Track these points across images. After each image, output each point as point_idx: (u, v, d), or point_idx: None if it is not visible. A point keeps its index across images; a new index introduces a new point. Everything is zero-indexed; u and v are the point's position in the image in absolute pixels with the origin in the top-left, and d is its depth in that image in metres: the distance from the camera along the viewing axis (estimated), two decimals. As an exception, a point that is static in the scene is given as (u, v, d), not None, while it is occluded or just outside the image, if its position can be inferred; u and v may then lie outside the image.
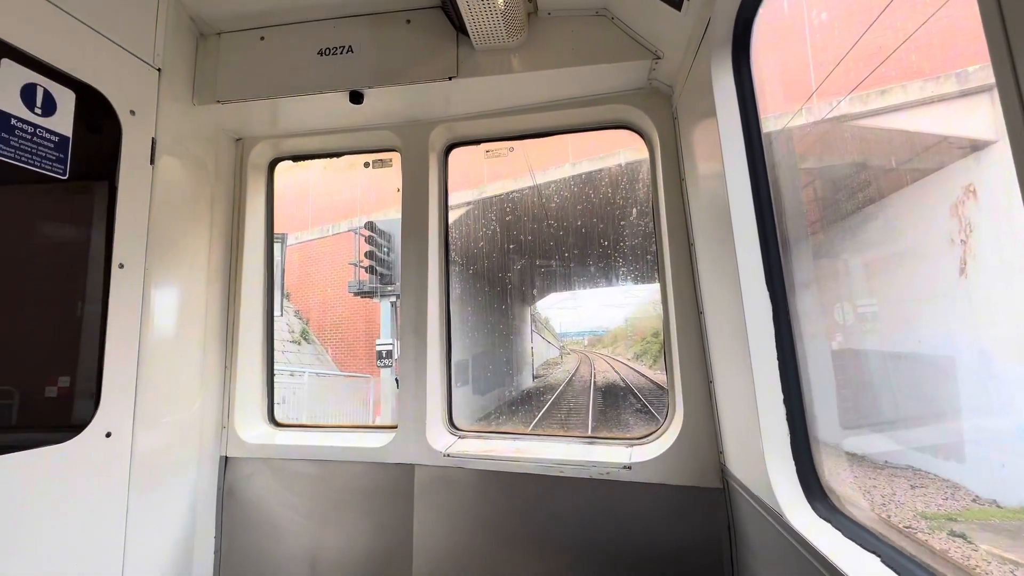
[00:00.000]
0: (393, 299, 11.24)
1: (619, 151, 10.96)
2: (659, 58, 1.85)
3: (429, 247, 2.29)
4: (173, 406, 2.08)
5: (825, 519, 1.15)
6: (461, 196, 12.29)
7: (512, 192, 12.06)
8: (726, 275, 1.51)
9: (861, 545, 1.00)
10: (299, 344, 13.71)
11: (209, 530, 2.26)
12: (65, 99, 1.56)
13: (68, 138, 1.56)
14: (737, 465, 1.63)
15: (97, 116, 1.67)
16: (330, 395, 11.68)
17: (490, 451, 2.11)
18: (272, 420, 2.53)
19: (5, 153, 1.39)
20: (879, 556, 0.94)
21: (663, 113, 2.02)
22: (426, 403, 2.20)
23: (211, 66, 2.17)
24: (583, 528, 1.93)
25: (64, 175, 1.54)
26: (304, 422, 2.56)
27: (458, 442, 2.24)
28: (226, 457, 2.33)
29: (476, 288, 14.88)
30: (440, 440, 2.21)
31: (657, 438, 2.00)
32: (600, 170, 10.91)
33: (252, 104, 2.19)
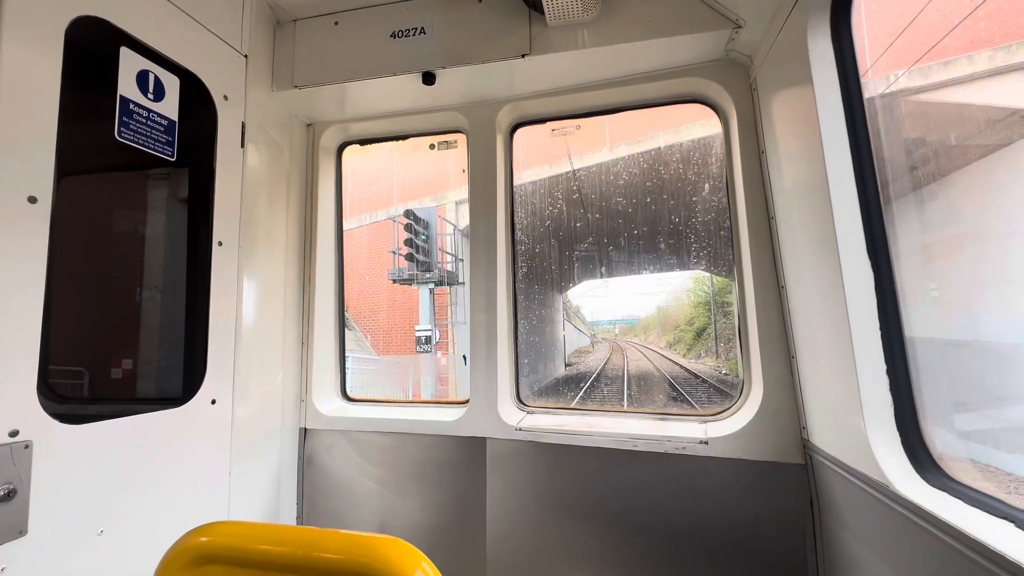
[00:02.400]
0: (431, 286, 11.42)
1: (659, 133, 10.74)
2: (739, 27, 1.80)
3: (497, 227, 2.32)
4: (261, 379, 2.19)
5: (940, 488, 1.13)
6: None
7: (549, 177, 11.99)
8: (820, 247, 1.48)
9: (989, 512, 0.98)
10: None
11: (292, 496, 2.38)
12: (171, 85, 1.65)
13: (175, 122, 1.65)
14: (825, 439, 1.61)
15: (197, 101, 1.76)
16: (375, 377, 12.01)
17: (561, 425, 2.15)
18: (344, 395, 2.64)
19: (127, 136, 1.48)
20: (1013, 522, 0.93)
21: (740, 85, 1.98)
22: (497, 379, 2.25)
23: (288, 52, 2.24)
24: (657, 504, 1.95)
25: (172, 157, 1.63)
26: (375, 397, 2.66)
27: (528, 416, 2.29)
28: (305, 428, 2.45)
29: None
30: (511, 415, 2.26)
31: (733, 414, 1.99)
32: (645, 152, 10.72)
33: (325, 89, 2.26)
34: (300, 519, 2.41)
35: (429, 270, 11.66)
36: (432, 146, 2.59)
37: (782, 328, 1.84)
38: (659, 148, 10.72)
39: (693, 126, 10.61)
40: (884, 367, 1.31)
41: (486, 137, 2.35)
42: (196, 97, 1.76)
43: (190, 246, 1.83)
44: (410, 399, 2.56)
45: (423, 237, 11.59)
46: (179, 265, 1.81)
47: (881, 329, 1.32)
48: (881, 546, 1.31)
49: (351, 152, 2.73)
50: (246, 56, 2.01)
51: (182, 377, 1.77)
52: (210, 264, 1.80)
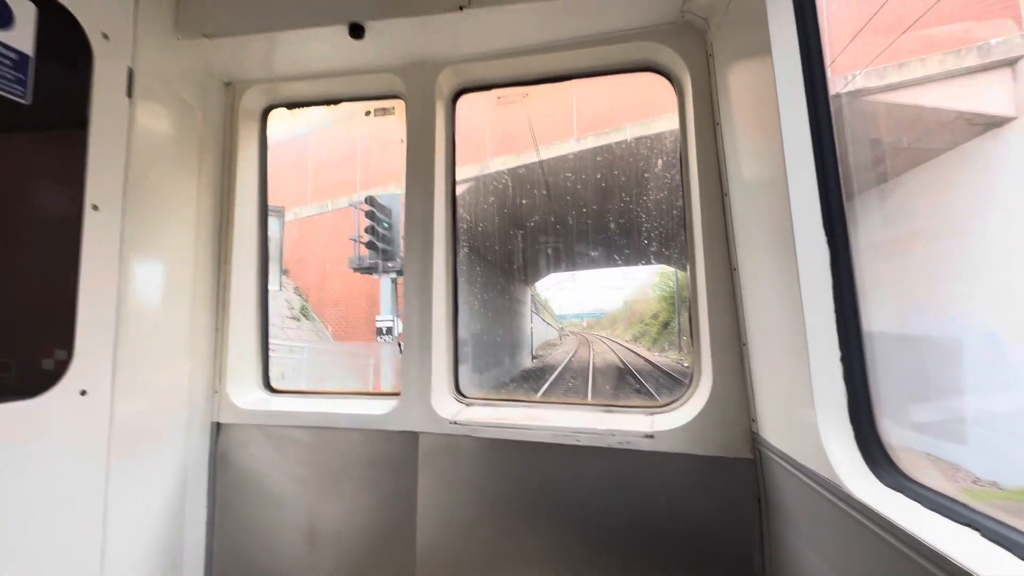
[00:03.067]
0: (394, 275, 11.08)
1: (626, 126, 10.69)
2: (696, -17, 1.65)
3: (435, 202, 2.11)
4: (159, 367, 1.93)
5: (896, 489, 1.00)
6: (461, 172, 12.05)
7: (516, 168, 11.79)
8: (775, 228, 1.34)
9: (951, 518, 0.85)
10: (299, 321, 13.60)
11: (201, 499, 2.13)
12: (24, 11, 1.37)
13: (28, 57, 1.37)
14: (775, 433, 1.49)
15: (65, 38, 1.48)
16: (332, 369, 11.60)
17: (500, 419, 1.97)
18: (267, 386, 2.39)
19: (-49, 65, 1.21)
20: (978, 530, 0.80)
21: (696, 51, 1.83)
22: (431, 368, 2.06)
23: None
24: (600, 500, 1.80)
25: (24, 98, 1.35)
26: (302, 388, 2.43)
27: (465, 409, 2.11)
28: (218, 423, 2.20)
29: (476, 267, 14.72)
30: (446, 407, 2.07)
31: (681, 405, 1.86)
32: (613, 143, 10.64)
33: (243, 42, 1.99)
34: (211, 523, 2.16)
35: (391, 259, 11.30)
36: (368, 112, 2.35)
37: (733, 314, 1.71)
38: (627, 140, 10.68)
39: (659, 119, 10.61)
40: (838, 354, 1.18)
41: (425, 103, 2.14)
42: (62, 31, 1.48)
43: (52, 208, 1.55)
44: (338, 390, 2.34)
45: (385, 225, 11.23)
46: (44, 229, 1.53)
47: (836, 315, 1.19)
48: (830, 550, 1.18)
49: (285, 119, 2.47)
50: None
51: (39, 363, 1.50)
52: (81, 230, 1.53)
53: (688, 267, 1.90)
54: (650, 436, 1.76)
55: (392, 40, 1.98)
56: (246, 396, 2.26)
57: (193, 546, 2.09)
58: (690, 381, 1.89)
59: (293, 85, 2.28)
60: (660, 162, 11.00)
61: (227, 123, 2.28)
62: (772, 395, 1.50)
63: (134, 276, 1.75)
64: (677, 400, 1.90)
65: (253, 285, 2.36)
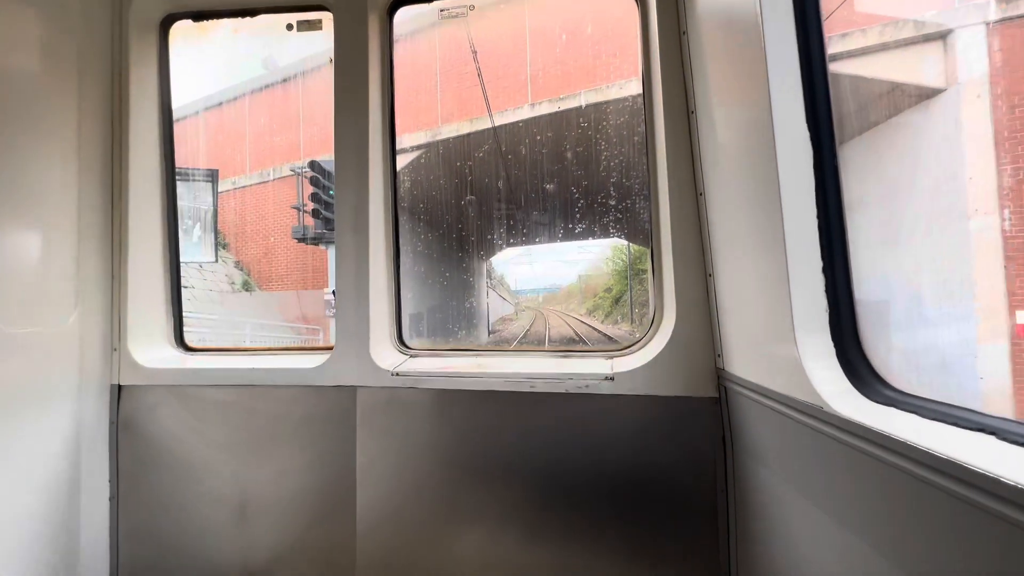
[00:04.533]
0: (336, 241, 10.55)
1: (581, 91, 10.48)
2: None
3: (370, 126, 1.85)
4: (34, 318, 1.61)
5: (888, 404, 0.89)
6: (412, 139, 11.52)
7: (470, 134, 11.39)
8: (752, 139, 1.19)
9: (959, 425, 0.74)
10: (240, 294, 12.84)
11: (100, 472, 1.84)
12: None
13: None
14: (745, 365, 1.37)
15: None
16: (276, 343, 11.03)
17: (447, 368, 1.78)
18: (181, 343, 2.09)
19: None
20: (994, 434, 0.69)
21: (660, -49, 1.64)
22: (369, 315, 1.83)
23: None
24: (558, 449, 1.66)
25: None
26: (222, 345, 2.15)
27: (409, 361, 1.90)
28: (119, 385, 1.89)
29: (430, 241, 14.32)
30: (387, 359, 1.86)
31: (643, 346, 1.73)
32: (567, 110, 10.42)
33: None
34: (115, 499, 1.88)
35: (338, 228, 10.74)
36: (289, 26, 2.03)
37: (699, 242, 1.58)
38: (581, 107, 10.48)
39: (612, 86, 10.46)
40: (820, 265, 1.05)
41: (355, 14, 1.85)
42: None
43: None
44: (263, 347, 2.12)
45: (331, 192, 10.62)
46: None
47: (819, 222, 1.05)
48: (809, 480, 1.08)
49: (193, 36, 2.10)
50: None
51: None
52: None
53: (650, 194, 1.75)
54: (610, 379, 1.62)
55: (313, -72, 1.68)
56: (154, 354, 1.96)
57: (93, 526, 1.81)
58: (652, 321, 1.76)
59: (196, -12, 1.93)
60: (613, 132, 10.91)
61: (116, 34, 1.91)
62: (742, 326, 1.38)
63: (-14, 201, 1.42)
64: (639, 342, 1.77)
65: (158, 228, 2.03)
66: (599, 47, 10.68)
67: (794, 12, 1.09)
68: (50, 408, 1.66)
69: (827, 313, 1.04)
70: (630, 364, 1.65)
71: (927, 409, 0.81)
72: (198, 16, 2.03)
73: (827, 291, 1.04)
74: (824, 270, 1.04)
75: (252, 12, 2.02)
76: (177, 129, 2.11)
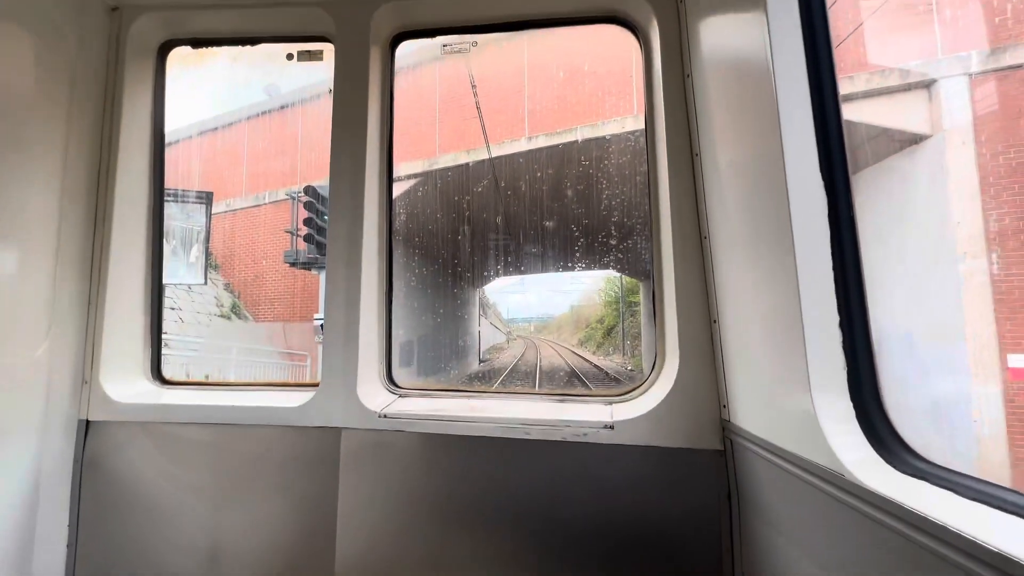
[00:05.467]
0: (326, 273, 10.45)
1: (576, 127, 10.66)
2: (668, -87, 1.46)
3: (367, 159, 1.81)
4: (3, 346, 1.51)
5: (918, 476, 0.82)
6: (410, 167, 11.60)
7: (465, 164, 11.49)
8: (758, 174, 1.15)
9: (1004, 510, 0.67)
10: (228, 319, 12.62)
11: (60, 516, 1.71)
12: None
13: None
14: (752, 419, 1.30)
15: None
16: (264, 371, 10.79)
17: (438, 410, 1.69)
18: (158, 376, 1.99)
19: None
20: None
21: (665, -3, 1.64)
22: (358, 352, 1.75)
23: None
24: (553, 500, 1.56)
25: None
26: (201, 379, 2.04)
27: (397, 401, 1.81)
28: (87, 421, 1.78)
29: (422, 268, 14.27)
30: (375, 399, 1.77)
31: (643, 392, 1.66)
32: (563, 144, 10.58)
33: None
34: (73, 546, 1.73)
35: (331, 255, 10.67)
36: (290, 56, 2.01)
37: (703, 286, 1.53)
38: (577, 141, 10.65)
39: (609, 122, 10.66)
40: (836, 320, 0.99)
41: (357, 46, 1.83)
42: None
43: None
44: (245, 381, 2.01)
45: (325, 217, 10.59)
46: None
47: (835, 274, 1.00)
48: (824, 548, 1.00)
49: (190, 62, 2.07)
50: None
51: None
52: None
53: (652, 235, 1.70)
54: (610, 427, 1.54)
55: (318, -38, 1.67)
56: (127, 388, 1.85)
57: (47, 573, 1.67)
58: (653, 365, 1.70)
59: (198, 15, 1.91)
60: (609, 167, 11.07)
61: (112, 57, 1.88)
62: (749, 376, 1.32)
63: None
64: (639, 387, 1.69)
65: (140, 255, 1.95)
66: (596, 85, 10.93)
67: (805, 54, 1.07)
68: (9, 444, 1.54)
69: (845, 371, 0.98)
70: (631, 412, 1.57)
71: (965, 487, 0.74)
72: (197, 43, 2.01)
73: (845, 347, 0.99)
74: (842, 325, 0.99)
75: (253, 41, 2.00)
76: (173, 152, 2.06)
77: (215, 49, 2.05)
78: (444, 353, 16.20)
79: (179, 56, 2.07)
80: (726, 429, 1.46)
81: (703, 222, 1.53)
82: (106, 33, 1.87)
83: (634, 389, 1.69)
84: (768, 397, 1.20)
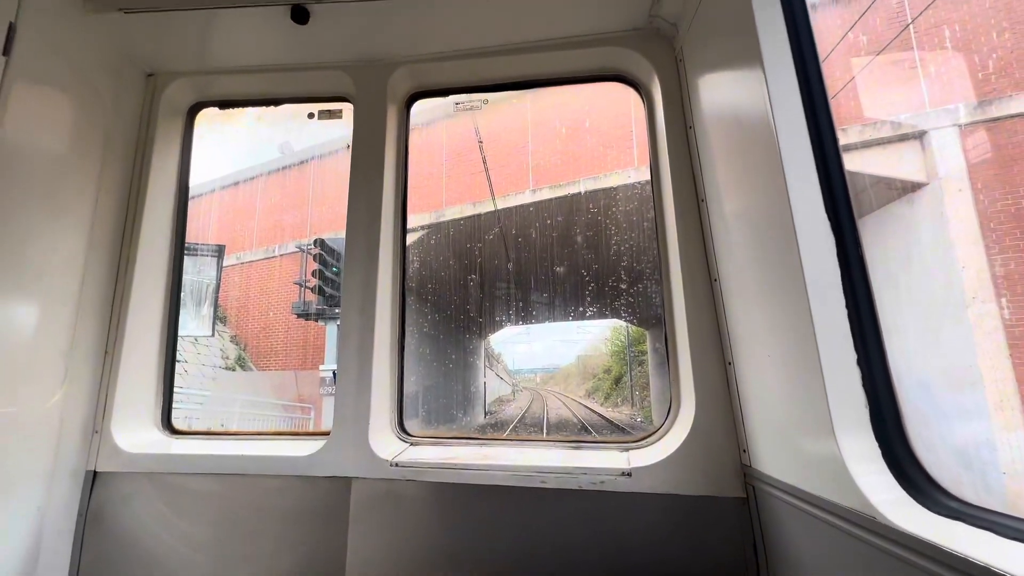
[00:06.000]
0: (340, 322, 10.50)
1: (580, 179, 10.98)
2: (664, -17, 1.59)
3: (382, 209, 1.88)
4: (18, 395, 1.52)
5: (953, 517, 0.80)
6: (416, 220, 11.89)
7: (472, 216, 11.77)
8: (765, 217, 1.19)
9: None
10: (234, 370, 12.57)
11: (61, 568, 1.65)
12: None
13: None
14: (774, 463, 1.27)
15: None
16: (271, 423, 10.60)
17: (450, 459, 1.66)
18: (167, 426, 1.97)
19: None
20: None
21: (664, 56, 1.75)
22: (370, 400, 1.74)
23: None
24: (570, 551, 1.50)
25: None
26: (211, 429, 2.02)
27: (409, 449, 1.78)
28: (95, 472, 1.75)
29: (427, 319, 14.30)
30: (386, 447, 1.74)
31: (660, 438, 1.63)
32: (567, 196, 10.86)
33: (167, 22, 1.76)
34: (70, 606, 1.66)
35: (339, 305, 10.76)
36: (311, 115, 2.13)
37: (715, 329, 1.53)
38: (580, 193, 10.93)
39: (612, 175, 10.98)
40: (854, 357, 1.00)
41: (375, 105, 1.95)
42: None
43: None
44: (254, 431, 1.97)
45: (335, 269, 10.77)
46: None
47: (848, 311, 1.02)
48: (861, 604, 0.95)
49: (217, 125, 2.20)
50: None
51: None
52: None
53: (662, 279, 1.73)
54: (627, 474, 1.50)
55: (340, 31, 1.80)
56: (137, 437, 1.84)
57: None
58: (668, 410, 1.67)
59: (227, 79, 2.04)
60: (613, 217, 11.30)
61: (145, 117, 2.00)
62: (768, 419, 1.30)
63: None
64: (655, 432, 1.66)
65: (159, 302, 1.99)
66: (597, 139, 11.34)
67: (803, 107, 1.13)
68: (14, 495, 1.52)
69: (867, 409, 0.97)
70: (648, 458, 1.53)
71: (1004, 526, 0.72)
72: (224, 104, 2.14)
73: (864, 384, 0.98)
74: (859, 362, 0.99)
75: (276, 102, 2.13)
76: (191, 206, 2.15)
77: (240, 110, 2.18)
78: (448, 404, 15.93)
79: (206, 115, 2.20)
80: (748, 475, 1.42)
81: (712, 265, 1.56)
82: (141, 96, 2.00)
83: (650, 435, 1.66)
84: (790, 440, 1.18)
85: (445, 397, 15.56)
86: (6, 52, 1.40)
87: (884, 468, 0.92)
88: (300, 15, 1.69)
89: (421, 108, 2.13)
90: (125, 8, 1.70)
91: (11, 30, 1.41)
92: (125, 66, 1.91)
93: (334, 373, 1.82)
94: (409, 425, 1.90)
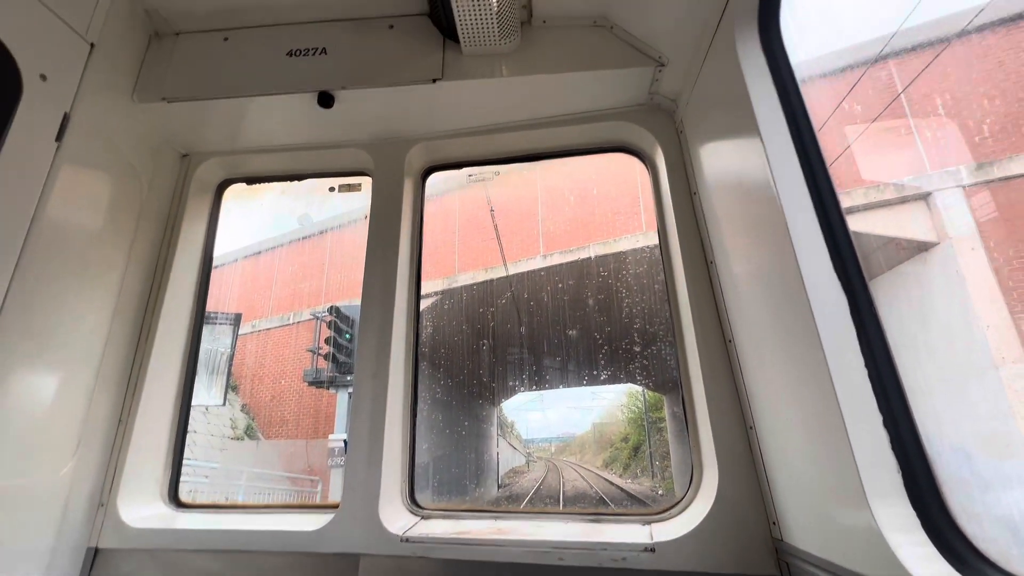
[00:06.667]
0: (352, 389, 10.41)
1: (590, 244, 11.20)
2: (663, 65, 1.71)
3: (397, 277, 1.93)
4: (28, 468, 1.51)
5: (1007, 591, 0.74)
6: (429, 286, 12.09)
7: (484, 282, 11.94)
8: (775, 279, 1.20)
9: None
10: (242, 440, 12.34)
11: None
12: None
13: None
14: (806, 536, 1.20)
15: (-8, 71, 1.35)
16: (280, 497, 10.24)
17: (463, 533, 1.58)
18: (174, 499, 1.92)
19: None
20: None
21: (666, 128, 1.85)
22: (381, 471, 1.69)
23: (162, 64, 1.91)
24: (592, 643, 1.38)
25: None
26: (217, 501, 1.96)
27: (420, 523, 1.71)
28: (96, 549, 1.70)
29: (440, 385, 14.13)
30: (397, 520, 1.67)
31: (683, 510, 1.54)
32: (577, 261, 11.03)
33: (205, 110, 1.92)
34: None
35: (351, 372, 10.71)
36: (332, 189, 2.25)
37: (734, 391, 1.50)
38: (591, 258, 11.10)
39: (620, 240, 11.21)
40: (880, 419, 0.96)
41: (393, 179, 2.05)
42: (-9, 65, 1.35)
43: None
44: (261, 503, 1.89)
45: (348, 336, 10.83)
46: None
47: (868, 369, 1.00)
48: None
49: (241, 199, 2.33)
50: (92, 44, 1.65)
51: None
52: None
53: (676, 342, 1.71)
54: (650, 550, 1.41)
55: (362, 113, 1.94)
56: (142, 511, 1.79)
57: None
58: (691, 479, 1.60)
59: (255, 158, 2.18)
60: (624, 280, 11.39)
61: (177, 193, 2.12)
62: (796, 487, 1.24)
63: (15, 338, 1.43)
64: (678, 504, 1.58)
65: (176, 372, 2.01)
66: (606, 206, 11.68)
67: (803, 172, 1.17)
68: (12, 574, 1.46)
69: (900, 475, 0.92)
70: (672, 531, 1.45)
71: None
72: (252, 180, 2.27)
73: (894, 448, 0.94)
74: (886, 424, 0.95)
75: (300, 177, 2.25)
76: (212, 275, 2.22)
77: (265, 185, 2.31)
78: (460, 477, 15.33)
79: (233, 190, 2.33)
80: (779, 550, 1.33)
81: (726, 326, 1.55)
82: (175, 175, 2.13)
83: (673, 506, 1.57)
84: (821, 509, 1.12)
85: (457, 467, 15.01)
86: (58, 139, 1.52)
87: (925, 539, 0.86)
88: (326, 100, 1.84)
89: (436, 179, 2.24)
90: (169, 98, 1.86)
91: (65, 120, 1.54)
92: (163, 148, 2.06)
93: (345, 442, 1.79)
94: (420, 496, 1.83)
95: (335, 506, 1.71)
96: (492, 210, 10.69)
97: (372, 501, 1.65)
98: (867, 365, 0.99)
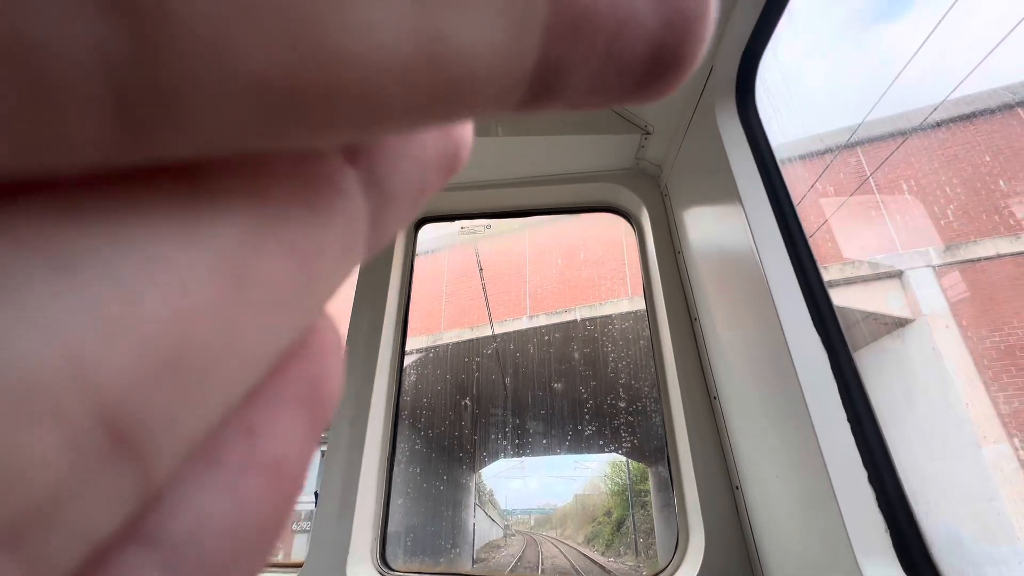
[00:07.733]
0: (324, 447, 9.94)
1: (576, 307, 11.30)
2: (648, 133, 1.82)
3: (383, 326, 1.92)
4: None
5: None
6: (416, 342, 11.96)
7: (468, 341, 11.85)
8: (758, 337, 1.23)
9: None
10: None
11: None
12: None
13: None
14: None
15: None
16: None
17: (435, 598, 1.48)
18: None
19: None
20: None
21: (651, 191, 1.95)
22: (352, 526, 1.60)
23: None
24: None
25: None
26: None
27: (389, 587, 1.59)
28: None
29: (414, 451, 13.59)
30: (363, 583, 1.56)
31: (671, 575, 1.47)
32: (563, 323, 11.05)
33: None
34: None
35: (326, 428, 10.27)
36: (324, 236, 2.28)
37: (719, 450, 1.48)
38: (576, 320, 11.16)
39: (605, 304, 11.34)
40: (865, 474, 0.96)
41: (386, 228, 2.09)
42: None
43: None
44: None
45: (325, 392, 10.50)
46: None
47: (851, 425, 1.00)
48: None
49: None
50: None
51: None
52: None
53: (661, 400, 1.71)
54: (634, 620, 1.33)
55: (360, 165, 2.02)
56: None
57: None
58: (676, 544, 1.54)
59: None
60: (609, 345, 11.40)
61: None
62: (786, 550, 1.20)
63: None
64: (663, 571, 1.51)
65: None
66: (591, 271, 11.90)
67: (783, 240, 1.23)
68: None
69: (887, 533, 0.90)
70: (657, 601, 1.37)
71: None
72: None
73: (880, 505, 0.93)
74: (871, 480, 0.95)
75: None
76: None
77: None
78: (433, 550, 14.39)
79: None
80: (771, 623, 1.26)
81: (710, 382, 1.55)
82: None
83: (660, 572, 1.50)
84: (810, 572, 1.08)
85: (429, 539, 14.12)
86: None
87: (919, 602, 0.84)
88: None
89: (427, 236, 2.28)
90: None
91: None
92: None
93: (316, 494, 1.70)
94: (391, 558, 1.72)
95: (299, 565, 1.60)
96: (481, 268, 10.83)
97: (340, 559, 1.55)
98: (850, 419, 1.00)
